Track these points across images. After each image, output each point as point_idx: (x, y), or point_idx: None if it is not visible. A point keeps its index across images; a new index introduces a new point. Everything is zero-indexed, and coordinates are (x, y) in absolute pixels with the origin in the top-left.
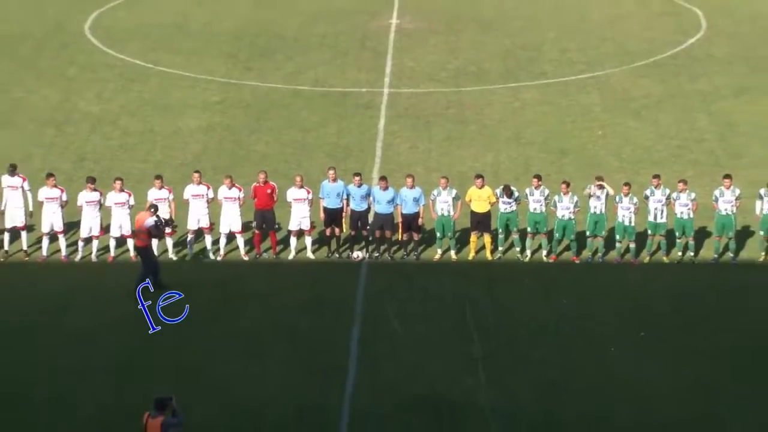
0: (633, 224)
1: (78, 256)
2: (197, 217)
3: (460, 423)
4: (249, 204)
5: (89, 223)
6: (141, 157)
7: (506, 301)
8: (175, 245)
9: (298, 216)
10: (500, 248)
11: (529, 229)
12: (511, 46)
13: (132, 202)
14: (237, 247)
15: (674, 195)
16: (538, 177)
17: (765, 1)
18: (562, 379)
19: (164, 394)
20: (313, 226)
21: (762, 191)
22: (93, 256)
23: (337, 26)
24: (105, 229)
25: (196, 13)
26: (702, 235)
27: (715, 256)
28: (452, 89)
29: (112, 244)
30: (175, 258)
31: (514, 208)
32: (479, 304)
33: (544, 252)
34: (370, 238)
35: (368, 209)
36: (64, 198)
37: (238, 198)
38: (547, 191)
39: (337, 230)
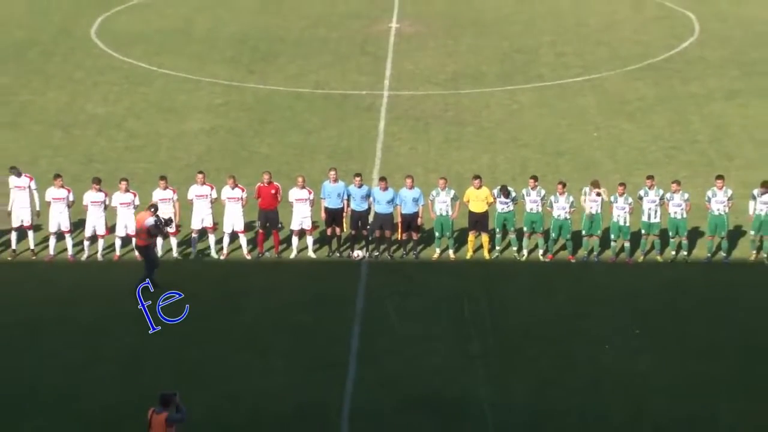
0: (628, 224)
1: (84, 255)
2: (201, 217)
3: (458, 419)
4: (252, 204)
5: (93, 223)
6: (146, 158)
7: (503, 299)
8: (179, 244)
9: (300, 216)
10: (498, 247)
11: (525, 229)
12: (509, 49)
13: (137, 202)
14: (240, 247)
15: (668, 195)
16: (535, 178)
17: (757, 6)
18: (558, 376)
19: (168, 390)
20: (314, 226)
21: (755, 192)
22: (99, 255)
23: (337, 30)
24: (110, 228)
25: (200, 18)
26: (695, 234)
27: (708, 255)
28: (451, 92)
29: (118, 243)
30: (179, 257)
31: (512, 208)
32: (477, 302)
33: (541, 251)
34: (370, 238)
35: (368, 209)
36: (71, 198)
37: (241, 198)
38: (543, 192)
39: (338, 230)
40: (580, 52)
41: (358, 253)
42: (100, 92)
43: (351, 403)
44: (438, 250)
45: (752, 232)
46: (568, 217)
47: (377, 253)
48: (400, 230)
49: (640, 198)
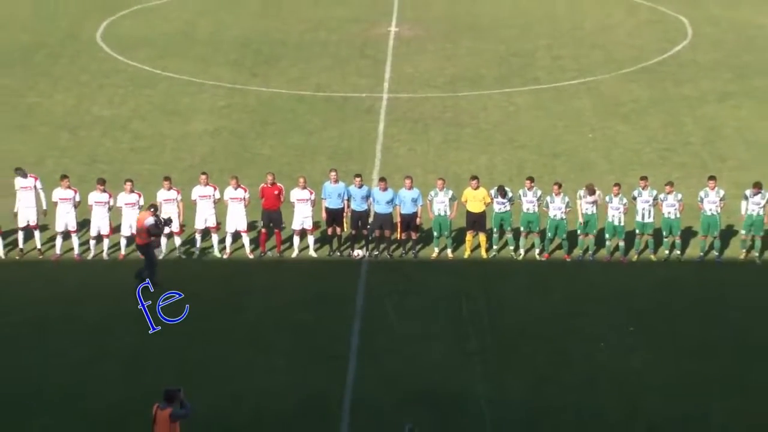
0: (622, 224)
1: (90, 255)
2: (204, 217)
3: (457, 414)
4: (254, 204)
5: (98, 223)
6: (151, 159)
7: (501, 297)
8: (183, 244)
9: (301, 216)
10: (495, 247)
11: (522, 229)
12: (506, 53)
13: (142, 202)
14: (242, 246)
15: (661, 196)
16: (531, 179)
17: (748, 10)
18: (554, 373)
19: (173, 386)
20: (315, 226)
21: (747, 192)
22: (104, 255)
23: (338, 34)
24: (114, 229)
25: (203, 22)
26: (688, 234)
27: (701, 254)
28: (449, 94)
29: (123, 242)
30: (182, 256)
31: (508, 208)
32: (475, 301)
33: (537, 250)
34: (370, 237)
35: (368, 209)
36: (77, 199)
37: (244, 198)
38: (539, 192)
39: (338, 230)
40: (576, 56)
41: (358, 253)
42: (106, 95)
43: (351, 399)
44: (436, 250)
45: (743, 232)
46: (564, 217)
47: (377, 253)
48: (399, 230)
49: (634, 198)
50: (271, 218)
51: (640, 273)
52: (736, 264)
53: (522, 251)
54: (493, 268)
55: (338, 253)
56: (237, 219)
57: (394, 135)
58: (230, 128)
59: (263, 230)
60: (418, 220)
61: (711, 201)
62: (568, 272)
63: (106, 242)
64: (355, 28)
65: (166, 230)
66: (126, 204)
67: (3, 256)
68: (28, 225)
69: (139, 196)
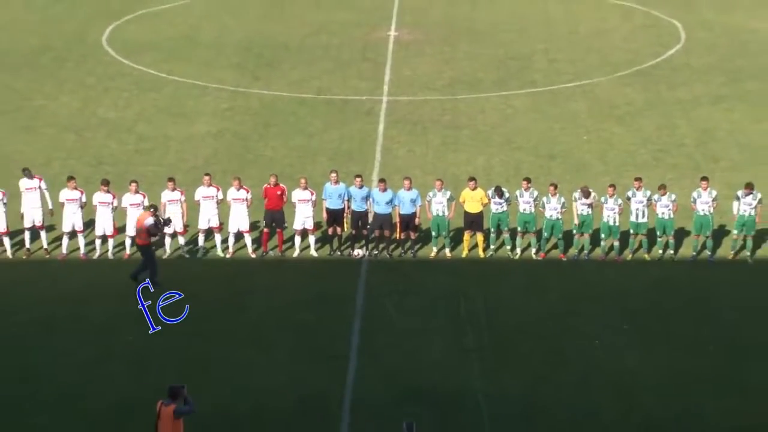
0: (617, 224)
1: (96, 254)
2: (207, 217)
3: (455, 410)
4: (257, 204)
5: (102, 224)
6: (155, 160)
7: (498, 296)
8: (186, 243)
9: (303, 216)
10: (492, 246)
11: (519, 229)
12: (503, 56)
13: (146, 203)
14: (245, 246)
15: (655, 197)
16: (528, 179)
17: (740, 15)
18: (550, 370)
19: (177, 383)
20: (316, 226)
21: (739, 193)
22: (109, 254)
23: (339, 38)
24: (118, 229)
25: (207, 26)
26: (681, 234)
27: (694, 253)
28: (447, 97)
29: (128, 242)
30: (186, 255)
31: (505, 208)
32: (472, 299)
33: (533, 250)
34: (370, 237)
35: (368, 210)
36: (84, 199)
37: (246, 199)
38: (536, 193)
39: (338, 229)
40: (572, 59)
41: (358, 252)
42: (111, 97)
43: (352, 395)
44: (435, 249)
45: (735, 232)
46: (560, 217)
47: (377, 252)
48: (398, 230)
49: (628, 199)
50: (274, 218)
51: (634, 272)
52: (728, 263)
53: (519, 251)
54: (490, 268)
55: (339, 253)
56: (239, 219)
57: (393, 137)
58: (233, 130)
59: (266, 230)
60: (416, 220)
61: (704, 201)
62: (564, 271)
63: (110, 242)
64: (355, 32)
65: (167, 230)
66: (131, 204)
67: (10, 256)
68: (34, 225)
69: (144, 196)
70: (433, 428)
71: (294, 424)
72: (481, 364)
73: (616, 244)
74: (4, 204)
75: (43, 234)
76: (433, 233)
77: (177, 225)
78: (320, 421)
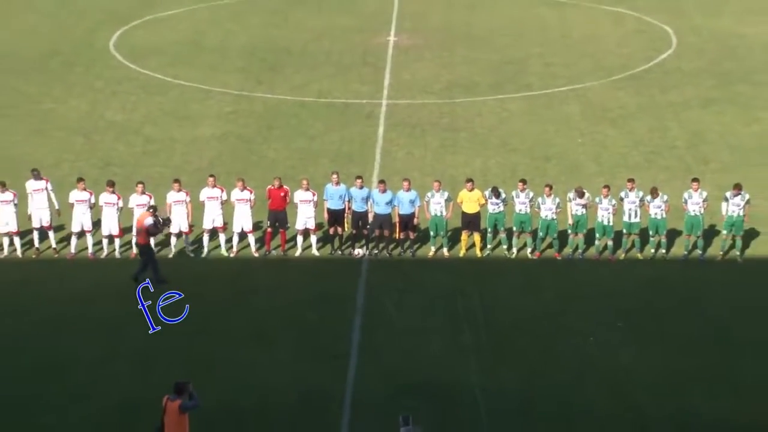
0: (611, 224)
1: (103, 254)
2: (212, 218)
3: (453, 405)
4: (260, 205)
5: (108, 224)
6: (161, 162)
7: (494, 294)
8: (191, 243)
9: (305, 216)
10: (489, 246)
11: (515, 228)
12: (499, 61)
13: (152, 203)
14: (248, 245)
15: (648, 198)
16: (524, 181)
17: (729, 20)
18: (545, 367)
19: (182, 379)
20: (318, 226)
21: (727, 194)
22: (116, 254)
23: (340, 43)
24: (123, 230)
25: (212, 32)
26: (673, 234)
27: (685, 252)
28: (445, 100)
29: (134, 241)
30: (191, 254)
31: (502, 209)
32: (470, 297)
33: (529, 249)
34: (370, 237)
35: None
36: (93, 200)
37: (250, 200)
38: (531, 194)
39: (339, 229)
40: (566, 64)
41: (358, 251)
42: (119, 101)
43: (352, 391)
44: (433, 249)
45: (724, 232)
46: (555, 217)
47: (377, 252)
48: (397, 230)
49: (621, 199)
50: (277, 218)
51: (628, 271)
52: (718, 263)
53: (515, 250)
54: (487, 267)
55: (339, 252)
56: (243, 219)
57: (393, 139)
58: (237, 133)
59: (269, 229)
60: (415, 220)
61: (694, 202)
62: (559, 270)
63: (117, 242)
64: (356, 37)
65: (167, 230)
66: (138, 205)
67: (20, 255)
68: (42, 226)
69: (150, 197)
70: (432, 422)
71: (296, 420)
72: (478, 360)
73: (610, 243)
74: (15, 205)
75: (51, 234)
76: (432, 233)
77: (182, 225)
78: (322, 416)
